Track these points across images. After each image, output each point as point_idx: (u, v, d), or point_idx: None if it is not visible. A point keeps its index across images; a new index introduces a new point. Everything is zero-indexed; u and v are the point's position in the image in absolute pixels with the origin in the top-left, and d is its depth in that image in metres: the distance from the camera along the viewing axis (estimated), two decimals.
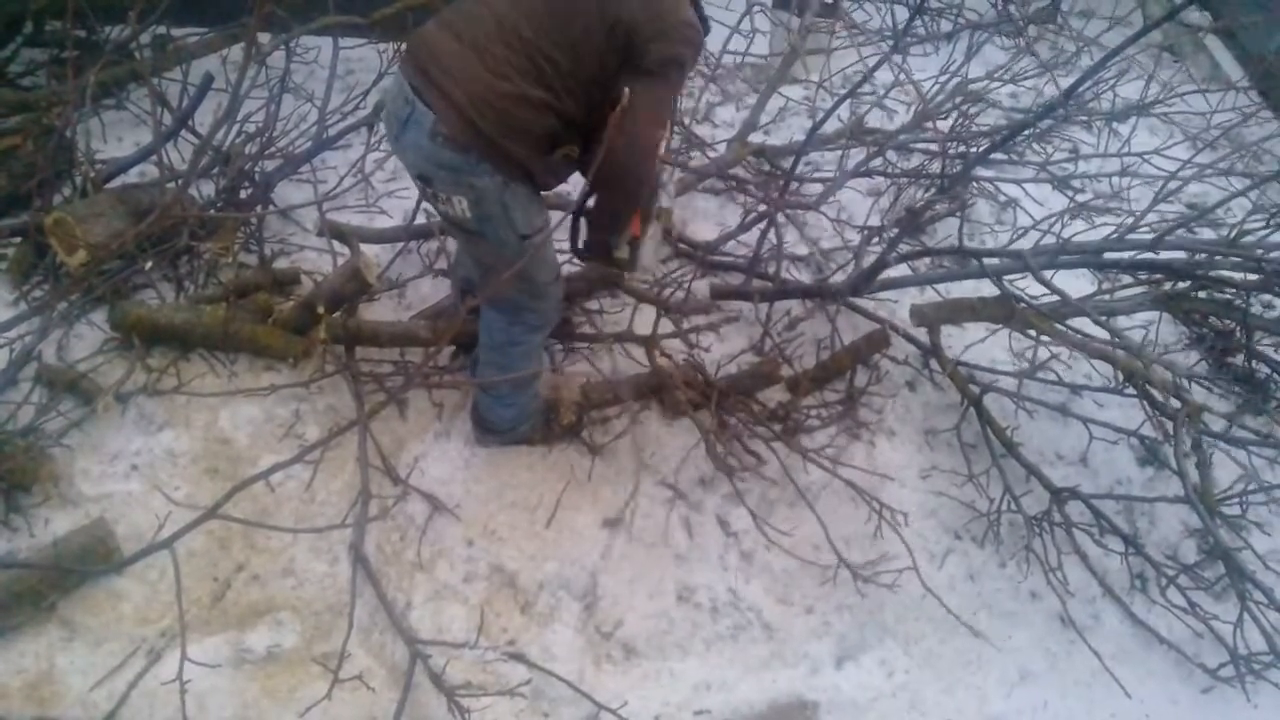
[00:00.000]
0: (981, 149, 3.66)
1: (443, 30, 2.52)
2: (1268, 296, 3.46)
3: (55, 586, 2.62)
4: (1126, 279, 3.46)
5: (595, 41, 2.41)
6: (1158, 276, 3.34)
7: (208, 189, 3.62)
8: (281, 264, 3.55)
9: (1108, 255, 3.26)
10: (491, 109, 2.43)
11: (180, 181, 3.26)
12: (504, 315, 2.85)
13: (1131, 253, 3.31)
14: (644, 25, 2.40)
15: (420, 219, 3.69)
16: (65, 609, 2.63)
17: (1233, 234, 3.22)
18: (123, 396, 3.02)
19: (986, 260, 3.24)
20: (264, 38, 3.82)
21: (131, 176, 3.59)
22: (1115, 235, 3.34)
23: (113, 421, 2.99)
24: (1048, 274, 3.04)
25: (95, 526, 2.72)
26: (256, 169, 3.70)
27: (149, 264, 3.28)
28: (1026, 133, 4.02)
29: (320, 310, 3.07)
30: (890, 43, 3.86)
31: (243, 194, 3.64)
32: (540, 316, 2.89)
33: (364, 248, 3.40)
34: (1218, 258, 3.13)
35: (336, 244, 3.38)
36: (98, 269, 3.19)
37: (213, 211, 3.50)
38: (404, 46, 2.67)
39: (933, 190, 3.78)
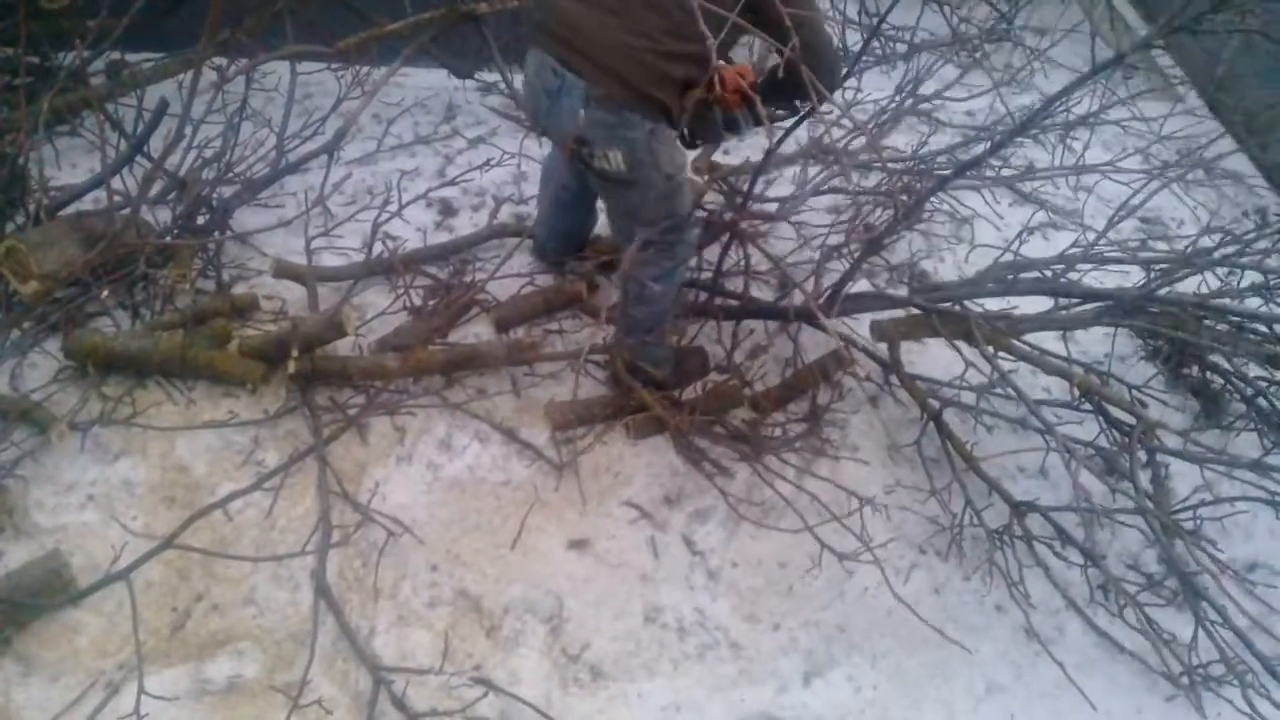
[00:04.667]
0: (943, 173, 3.71)
1: (578, 2, 2.77)
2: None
3: (10, 620, 2.58)
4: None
5: None
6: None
7: (166, 216, 3.59)
8: (240, 289, 3.53)
9: (1062, 281, 3.33)
10: (638, 65, 2.73)
11: (131, 208, 3.23)
12: (656, 254, 3.11)
13: (1089, 267, 3.38)
14: None
15: (377, 248, 3.68)
16: (21, 643, 2.59)
17: (1187, 248, 3.29)
18: (78, 425, 2.98)
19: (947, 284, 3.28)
20: (223, 62, 3.82)
21: (86, 204, 3.56)
22: (1078, 250, 3.40)
23: (68, 451, 2.95)
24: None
25: (50, 558, 2.68)
26: (214, 195, 3.67)
27: (105, 292, 3.25)
28: (982, 148, 4.06)
29: (295, 354, 3.06)
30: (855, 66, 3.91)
31: (200, 220, 3.62)
32: (686, 247, 3.22)
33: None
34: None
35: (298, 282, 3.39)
36: (51, 297, 3.16)
37: (169, 238, 3.47)
38: (535, 22, 2.92)
39: (901, 212, 3.82)
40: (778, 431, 3.46)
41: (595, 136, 2.83)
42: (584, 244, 3.75)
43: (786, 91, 2.86)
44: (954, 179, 3.49)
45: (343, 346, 3.34)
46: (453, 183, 4.13)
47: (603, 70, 2.74)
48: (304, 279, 3.46)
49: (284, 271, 3.47)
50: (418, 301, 3.56)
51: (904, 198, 3.82)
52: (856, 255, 3.54)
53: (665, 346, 3.38)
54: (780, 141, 3.53)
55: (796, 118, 3.27)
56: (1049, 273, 3.39)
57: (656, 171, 2.94)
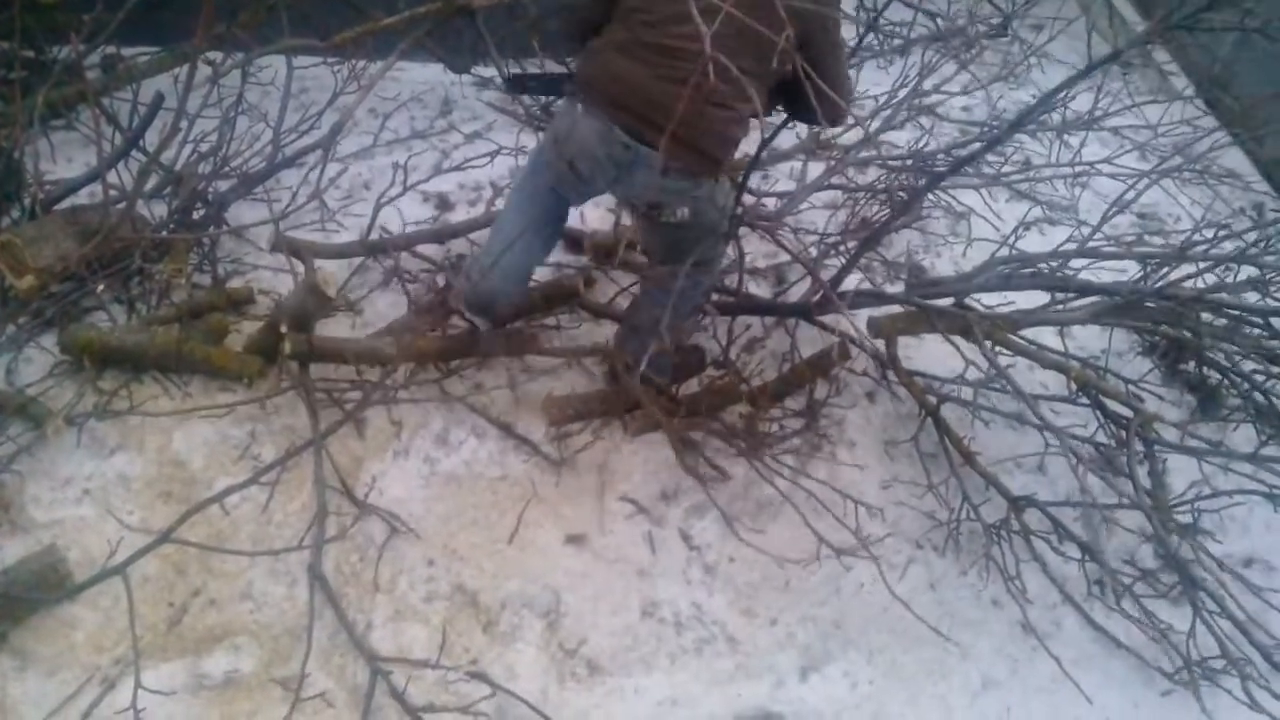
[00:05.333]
0: (940, 169, 3.71)
1: (645, 69, 2.70)
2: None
3: (7, 615, 2.57)
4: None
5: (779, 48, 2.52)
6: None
7: (161, 210, 3.59)
8: (236, 284, 3.52)
9: (1058, 275, 3.32)
10: (715, 135, 2.77)
11: (126, 202, 3.23)
12: (695, 269, 3.11)
13: (1085, 262, 3.38)
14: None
15: (375, 235, 3.68)
16: (17, 638, 2.58)
17: (1183, 244, 3.28)
18: (74, 419, 2.98)
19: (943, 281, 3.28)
20: (219, 56, 3.81)
21: (82, 198, 3.55)
22: (1073, 245, 3.40)
23: (64, 446, 2.95)
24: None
25: (47, 553, 2.68)
26: (210, 189, 3.67)
27: (101, 286, 3.24)
28: (978, 144, 4.07)
29: (284, 328, 3.06)
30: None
31: (196, 214, 3.61)
32: (719, 259, 3.28)
33: (319, 262, 3.39)
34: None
35: (293, 259, 3.36)
36: (46, 292, 3.15)
37: (165, 232, 3.46)
38: (596, 90, 2.78)
39: (889, 207, 3.82)
40: (775, 427, 3.46)
41: (667, 200, 2.87)
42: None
43: (793, 110, 2.98)
44: (948, 175, 3.49)
45: (341, 334, 3.34)
46: (458, 168, 4.12)
47: (680, 143, 2.66)
48: (302, 254, 3.44)
49: (282, 245, 3.44)
50: (413, 288, 3.56)
51: (900, 194, 3.83)
52: (853, 251, 3.54)
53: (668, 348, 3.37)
54: (769, 141, 3.53)
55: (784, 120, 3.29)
56: (1044, 267, 3.40)
57: (715, 210, 2.99)
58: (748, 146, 3.15)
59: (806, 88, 2.29)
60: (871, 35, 4.27)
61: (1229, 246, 3.28)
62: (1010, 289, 3.38)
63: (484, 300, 3.19)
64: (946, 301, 3.38)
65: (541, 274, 3.74)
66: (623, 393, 3.35)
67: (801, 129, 4.23)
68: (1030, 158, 4.70)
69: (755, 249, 4.06)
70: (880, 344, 3.50)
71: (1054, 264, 3.40)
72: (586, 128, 2.80)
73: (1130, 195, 3.54)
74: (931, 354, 3.75)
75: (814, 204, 4.23)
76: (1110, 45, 5.21)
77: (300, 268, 3.29)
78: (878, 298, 3.56)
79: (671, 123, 2.54)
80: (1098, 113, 4.23)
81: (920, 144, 4.37)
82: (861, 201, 4.23)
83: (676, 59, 2.66)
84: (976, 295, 3.42)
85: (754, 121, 2.97)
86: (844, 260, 3.52)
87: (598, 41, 2.84)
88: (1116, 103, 4.29)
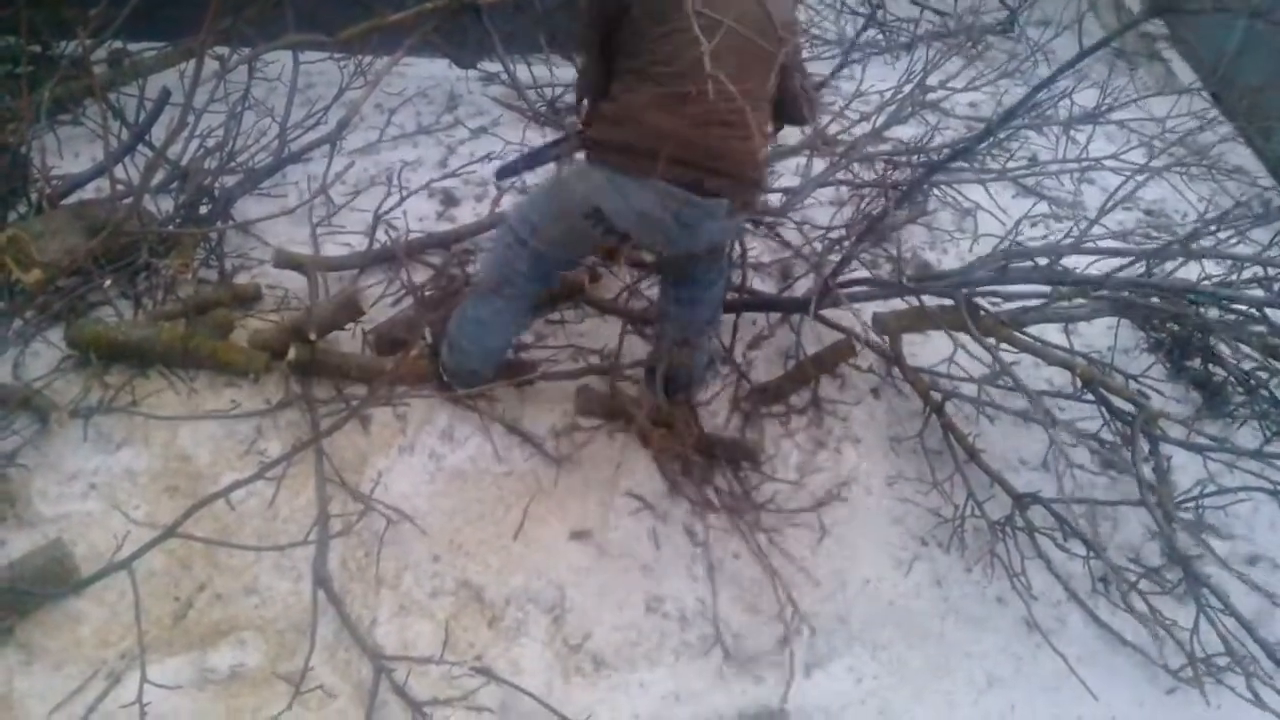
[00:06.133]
0: (942, 157, 3.70)
1: (687, 121, 2.63)
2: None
3: (13, 609, 2.57)
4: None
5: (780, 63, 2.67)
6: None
7: (168, 205, 3.59)
8: (242, 279, 3.52)
9: (1057, 267, 3.32)
10: (764, 166, 2.93)
11: (133, 197, 3.23)
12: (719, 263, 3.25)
13: (1089, 260, 3.36)
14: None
15: (379, 237, 3.68)
16: (24, 632, 2.59)
17: (1185, 238, 3.28)
18: (79, 413, 2.98)
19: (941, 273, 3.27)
20: (225, 51, 3.81)
21: (89, 192, 3.56)
22: (1069, 240, 3.39)
23: (70, 441, 2.95)
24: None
25: (53, 547, 2.68)
26: (216, 184, 3.67)
27: (107, 281, 3.24)
28: (986, 143, 4.07)
29: (313, 337, 3.09)
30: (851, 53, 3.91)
31: (202, 210, 3.61)
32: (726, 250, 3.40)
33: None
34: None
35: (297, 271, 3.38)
36: (53, 286, 3.15)
37: (172, 227, 3.47)
38: (639, 152, 2.69)
39: (894, 200, 3.81)
40: (778, 424, 3.45)
41: (729, 237, 2.98)
42: None
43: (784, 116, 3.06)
44: (944, 165, 3.48)
45: (344, 342, 3.35)
46: (454, 174, 4.13)
47: (739, 182, 2.76)
48: (305, 268, 3.45)
49: (285, 260, 3.46)
50: (418, 290, 3.56)
51: (900, 186, 3.82)
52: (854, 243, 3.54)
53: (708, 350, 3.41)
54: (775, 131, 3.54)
55: None
56: (1043, 261, 3.38)
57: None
58: None
59: (808, 90, 2.33)
60: (878, 31, 4.27)
61: (1227, 236, 3.28)
62: (1006, 282, 3.37)
63: (465, 377, 3.24)
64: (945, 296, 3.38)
65: None
66: (652, 407, 3.31)
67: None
68: (1037, 154, 4.69)
69: (761, 245, 4.06)
70: (885, 340, 3.50)
71: (1051, 257, 3.38)
72: (643, 195, 2.74)
73: (1131, 187, 3.54)
74: (936, 350, 3.74)
75: (819, 200, 4.23)
76: (1118, 43, 5.20)
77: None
78: (874, 288, 3.56)
79: (735, 166, 2.69)
80: (1103, 107, 4.22)
81: (925, 140, 4.36)
82: (866, 197, 4.22)
83: (714, 102, 2.62)
84: (980, 291, 3.41)
85: None
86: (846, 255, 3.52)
87: (626, 103, 2.74)
88: (1123, 98, 4.28)
